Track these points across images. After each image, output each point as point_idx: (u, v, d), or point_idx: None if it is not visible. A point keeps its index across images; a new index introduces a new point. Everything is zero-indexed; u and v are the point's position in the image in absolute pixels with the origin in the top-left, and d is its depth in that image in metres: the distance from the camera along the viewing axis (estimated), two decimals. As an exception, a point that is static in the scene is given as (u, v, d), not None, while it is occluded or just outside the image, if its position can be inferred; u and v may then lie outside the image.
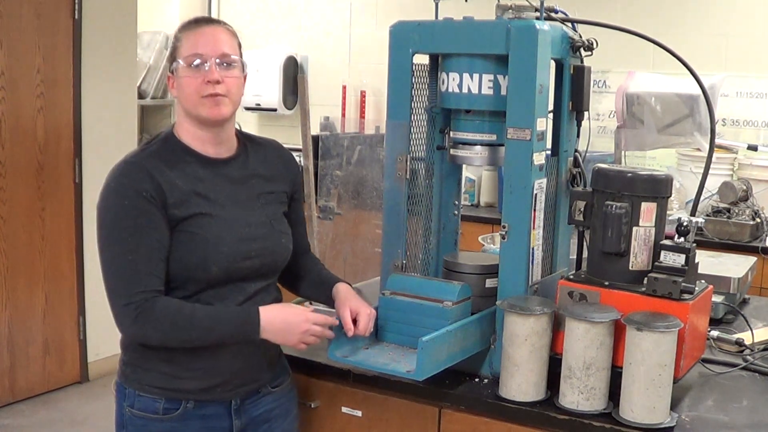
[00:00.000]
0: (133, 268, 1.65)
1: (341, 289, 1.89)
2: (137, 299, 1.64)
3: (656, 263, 1.77)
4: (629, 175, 1.81)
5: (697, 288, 1.81)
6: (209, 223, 1.72)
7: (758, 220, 3.94)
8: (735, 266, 2.63)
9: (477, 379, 1.91)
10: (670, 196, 1.87)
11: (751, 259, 2.77)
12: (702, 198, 2.56)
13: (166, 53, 6.35)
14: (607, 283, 1.81)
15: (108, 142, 4.40)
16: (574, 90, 1.98)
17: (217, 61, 1.71)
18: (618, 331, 1.73)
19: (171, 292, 1.70)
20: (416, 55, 1.98)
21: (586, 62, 2.03)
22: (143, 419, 1.74)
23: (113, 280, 1.67)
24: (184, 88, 1.73)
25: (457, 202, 2.19)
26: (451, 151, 2.03)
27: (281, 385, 1.91)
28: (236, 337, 1.72)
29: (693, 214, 2.05)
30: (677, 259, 1.75)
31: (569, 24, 2.01)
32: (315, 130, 3.82)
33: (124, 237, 1.66)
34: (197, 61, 1.70)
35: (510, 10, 1.90)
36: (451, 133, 2.02)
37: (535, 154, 1.83)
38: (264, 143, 1.91)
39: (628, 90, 3.42)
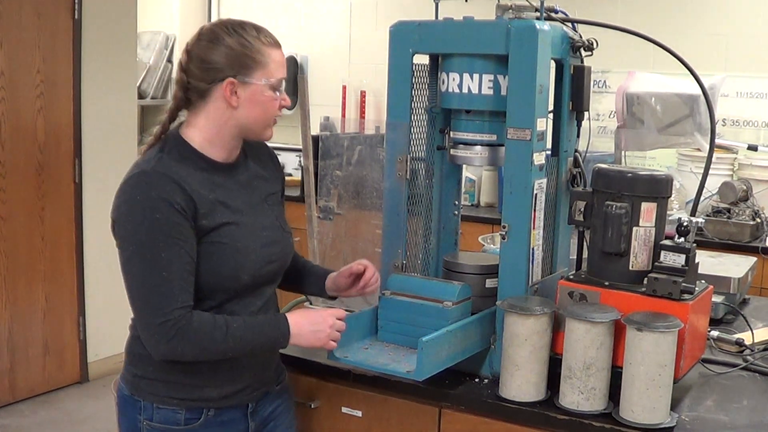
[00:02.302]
0: (167, 285, 1.58)
1: (333, 274, 1.96)
2: (173, 317, 1.58)
3: (656, 263, 1.77)
4: (629, 175, 1.81)
5: (697, 288, 1.81)
6: (236, 232, 1.69)
7: (758, 220, 3.94)
8: (735, 266, 2.63)
9: (477, 379, 1.91)
10: (670, 196, 1.87)
11: (751, 259, 2.77)
12: (702, 198, 2.56)
13: (166, 53, 6.36)
14: (607, 283, 1.81)
15: (108, 142, 4.40)
16: (574, 90, 1.98)
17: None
18: (618, 331, 1.73)
19: (197, 303, 1.65)
20: (416, 55, 1.98)
21: (586, 62, 2.03)
22: (164, 431, 1.73)
23: (145, 298, 1.60)
24: (266, 107, 1.70)
25: (457, 202, 2.19)
26: (451, 151, 2.03)
27: (281, 383, 1.92)
28: (267, 346, 1.72)
29: (693, 214, 2.05)
30: (677, 259, 1.75)
31: (569, 24, 2.01)
32: (315, 130, 3.82)
33: (156, 252, 1.58)
34: (281, 86, 1.71)
35: (510, 10, 1.90)
36: (451, 133, 2.02)
37: (535, 154, 1.83)
38: (254, 144, 1.88)
39: (628, 90, 3.41)
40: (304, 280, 2.00)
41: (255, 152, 1.85)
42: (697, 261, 1.82)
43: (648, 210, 1.80)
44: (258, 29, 1.71)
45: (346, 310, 1.85)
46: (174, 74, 1.74)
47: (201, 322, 1.61)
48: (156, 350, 1.62)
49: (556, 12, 1.98)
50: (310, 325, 1.73)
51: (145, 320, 1.60)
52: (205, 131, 1.71)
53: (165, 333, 1.58)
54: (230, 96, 1.67)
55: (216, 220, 1.67)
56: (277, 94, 1.71)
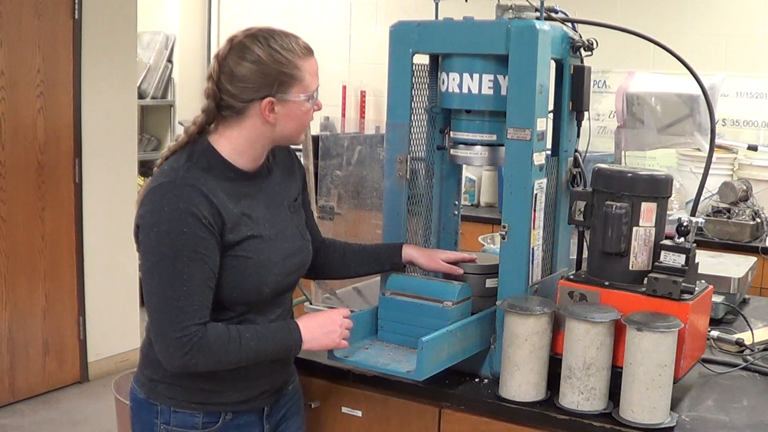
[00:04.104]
0: (187, 300, 1.57)
1: (412, 252, 1.98)
2: (190, 331, 1.57)
3: (656, 263, 1.77)
4: (629, 175, 1.81)
5: (697, 288, 1.81)
6: (259, 246, 1.68)
7: (758, 220, 3.94)
8: (735, 266, 2.63)
9: (477, 379, 1.91)
10: (670, 196, 1.87)
11: (751, 259, 2.77)
12: (702, 198, 2.56)
13: (166, 53, 6.35)
14: (607, 283, 1.81)
15: (108, 142, 4.40)
16: (574, 90, 1.98)
17: None
18: (618, 331, 1.73)
19: (217, 314, 1.64)
20: (416, 55, 1.98)
21: (586, 62, 2.03)
22: None
23: (164, 311, 1.58)
24: (302, 119, 1.68)
25: (457, 202, 2.19)
26: (451, 151, 2.03)
27: (293, 384, 1.92)
28: (281, 354, 1.72)
29: (693, 214, 2.04)
30: (677, 259, 1.75)
31: (569, 24, 2.01)
32: (315, 130, 3.81)
33: (179, 266, 1.56)
34: (316, 93, 1.69)
35: (510, 10, 1.90)
36: (451, 133, 2.02)
37: (535, 154, 1.83)
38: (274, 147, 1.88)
39: (628, 90, 3.42)
40: (371, 263, 2.01)
41: (277, 156, 1.83)
42: (697, 261, 1.82)
43: (648, 210, 1.80)
44: (289, 37, 1.67)
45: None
46: (205, 88, 1.68)
47: (216, 336, 1.60)
48: (170, 363, 1.61)
49: (556, 12, 1.98)
50: (321, 327, 1.73)
51: (162, 332, 1.59)
52: (238, 144, 1.69)
53: (180, 347, 1.57)
54: (268, 114, 1.65)
55: (240, 234, 1.65)
56: (311, 102, 1.70)
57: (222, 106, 1.67)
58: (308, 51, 1.69)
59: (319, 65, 1.73)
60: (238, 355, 1.63)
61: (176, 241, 1.56)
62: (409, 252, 1.99)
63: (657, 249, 1.80)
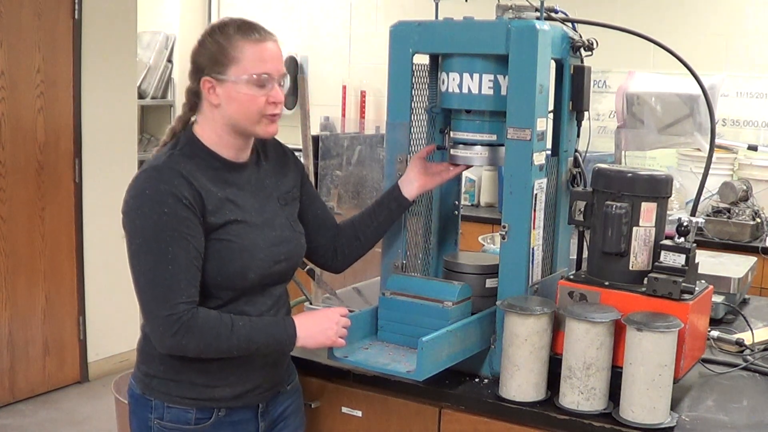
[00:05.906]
0: (173, 278, 1.59)
1: (410, 184, 1.96)
2: (178, 310, 1.59)
3: (656, 263, 1.77)
4: (629, 175, 1.81)
5: (697, 288, 1.81)
6: (244, 231, 1.69)
7: (758, 220, 3.94)
8: (735, 266, 2.63)
9: (477, 379, 1.91)
10: (670, 196, 1.87)
11: (751, 259, 2.77)
12: (702, 198, 2.56)
13: (166, 53, 6.34)
14: (607, 283, 1.81)
15: (108, 142, 4.40)
16: (574, 90, 1.98)
17: (279, 80, 1.70)
18: (618, 331, 1.73)
19: (204, 300, 1.66)
20: (416, 55, 1.98)
21: (586, 62, 2.03)
22: (175, 431, 1.73)
23: (151, 291, 1.61)
24: (244, 103, 1.67)
25: (457, 202, 2.19)
26: (451, 151, 2.02)
27: (292, 383, 1.92)
28: (273, 348, 1.73)
29: (693, 214, 2.04)
30: (677, 259, 1.75)
31: (569, 24, 2.01)
32: (315, 130, 3.82)
33: (163, 246, 1.59)
34: (264, 79, 1.67)
35: (510, 10, 1.90)
36: (451, 133, 2.02)
37: (535, 154, 1.83)
38: (269, 143, 1.89)
39: (628, 90, 3.41)
40: (382, 220, 1.98)
41: (266, 150, 1.85)
42: (697, 261, 1.82)
43: (648, 210, 1.80)
44: (241, 26, 1.69)
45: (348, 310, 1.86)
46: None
47: (206, 318, 1.62)
48: (161, 343, 1.63)
49: (556, 12, 1.98)
50: (316, 324, 1.74)
51: (151, 313, 1.61)
52: (208, 130, 1.72)
53: (170, 326, 1.59)
54: (209, 94, 1.68)
55: (224, 218, 1.67)
56: (261, 89, 1.68)
57: (188, 93, 1.74)
58: (261, 38, 1.69)
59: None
60: (229, 342, 1.64)
61: (158, 222, 1.59)
62: (406, 183, 1.97)
63: (657, 249, 1.80)
